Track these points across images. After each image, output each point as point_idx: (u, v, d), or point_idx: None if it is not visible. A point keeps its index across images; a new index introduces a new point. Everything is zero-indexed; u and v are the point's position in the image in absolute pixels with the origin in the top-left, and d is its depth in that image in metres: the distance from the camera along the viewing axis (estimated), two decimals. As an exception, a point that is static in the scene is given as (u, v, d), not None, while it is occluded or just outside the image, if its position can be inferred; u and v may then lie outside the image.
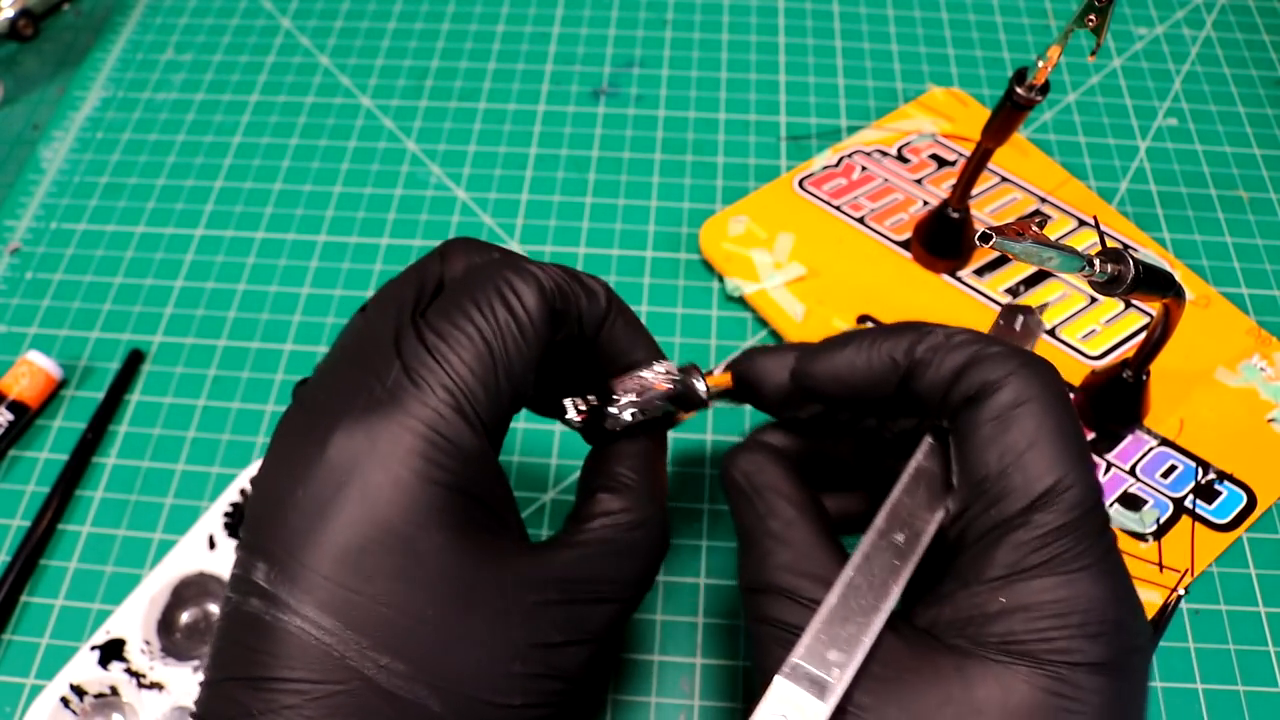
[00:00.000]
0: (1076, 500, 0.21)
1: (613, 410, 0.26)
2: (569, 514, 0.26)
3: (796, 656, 0.21)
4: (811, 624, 0.21)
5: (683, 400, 0.27)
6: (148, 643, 0.35)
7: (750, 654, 0.25)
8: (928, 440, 0.25)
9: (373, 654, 0.20)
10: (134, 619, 0.35)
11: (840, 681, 0.20)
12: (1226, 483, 0.39)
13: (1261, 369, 0.42)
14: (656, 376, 0.26)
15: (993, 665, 0.20)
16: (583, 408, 0.26)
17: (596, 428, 0.26)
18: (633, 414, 0.26)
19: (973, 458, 0.22)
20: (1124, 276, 0.27)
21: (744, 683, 0.35)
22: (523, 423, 0.42)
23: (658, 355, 0.27)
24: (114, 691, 0.34)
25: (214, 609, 0.37)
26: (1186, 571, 0.37)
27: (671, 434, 0.41)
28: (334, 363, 0.23)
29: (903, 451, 0.26)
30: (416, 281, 0.24)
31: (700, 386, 0.27)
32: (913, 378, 0.24)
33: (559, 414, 0.26)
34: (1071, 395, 0.41)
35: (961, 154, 0.49)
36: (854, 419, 0.28)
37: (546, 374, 0.28)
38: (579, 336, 0.26)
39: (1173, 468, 0.39)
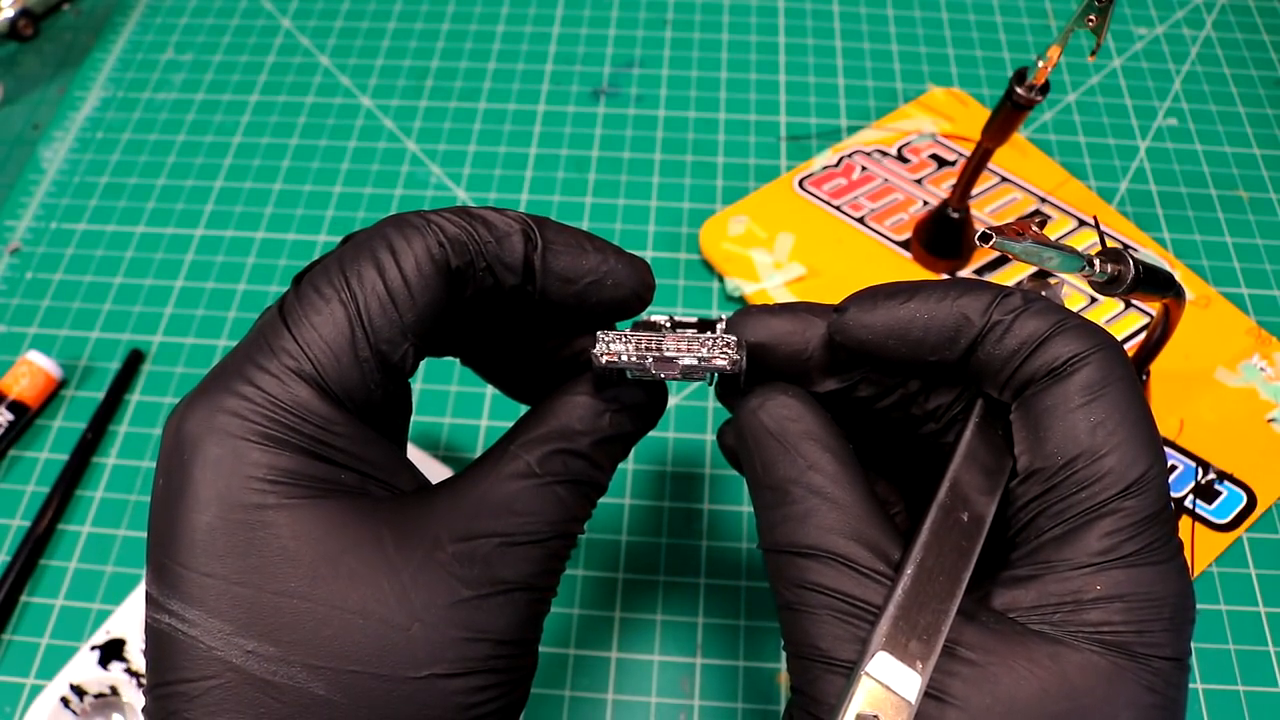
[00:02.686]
0: (1162, 489, 0.20)
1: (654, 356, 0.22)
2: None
3: (880, 648, 0.19)
4: (887, 610, 0.20)
5: (726, 379, 0.24)
6: (148, 643, 0.35)
7: (784, 621, 0.22)
8: (978, 413, 0.23)
9: (238, 640, 0.18)
10: (134, 619, 0.35)
11: (925, 675, 0.19)
12: (1226, 483, 0.39)
13: (1261, 369, 0.42)
14: (716, 345, 0.23)
15: (1091, 656, 0.19)
16: (618, 354, 0.22)
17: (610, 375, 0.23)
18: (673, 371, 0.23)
19: (1060, 435, 0.20)
20: (1124, 276, 0.27)
21: (744, 682, 0.35)
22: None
23: (616, 256, 0.24)
24: (114, 691, 0.34)
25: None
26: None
27: (671, 434, 0.41)
28: None
29: (914, 434, 0.24)
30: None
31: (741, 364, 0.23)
32: (982, 341, 0.21)
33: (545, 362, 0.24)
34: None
35: (961, 154, 0.49)
36: (875, 395, 0.25)
37: (490, 330, 0.26)
38: (500, 287, 0.22)
39: (1173, 468, 0.39)
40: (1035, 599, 0.20)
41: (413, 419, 0.41)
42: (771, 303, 0.44)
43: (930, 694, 0.19)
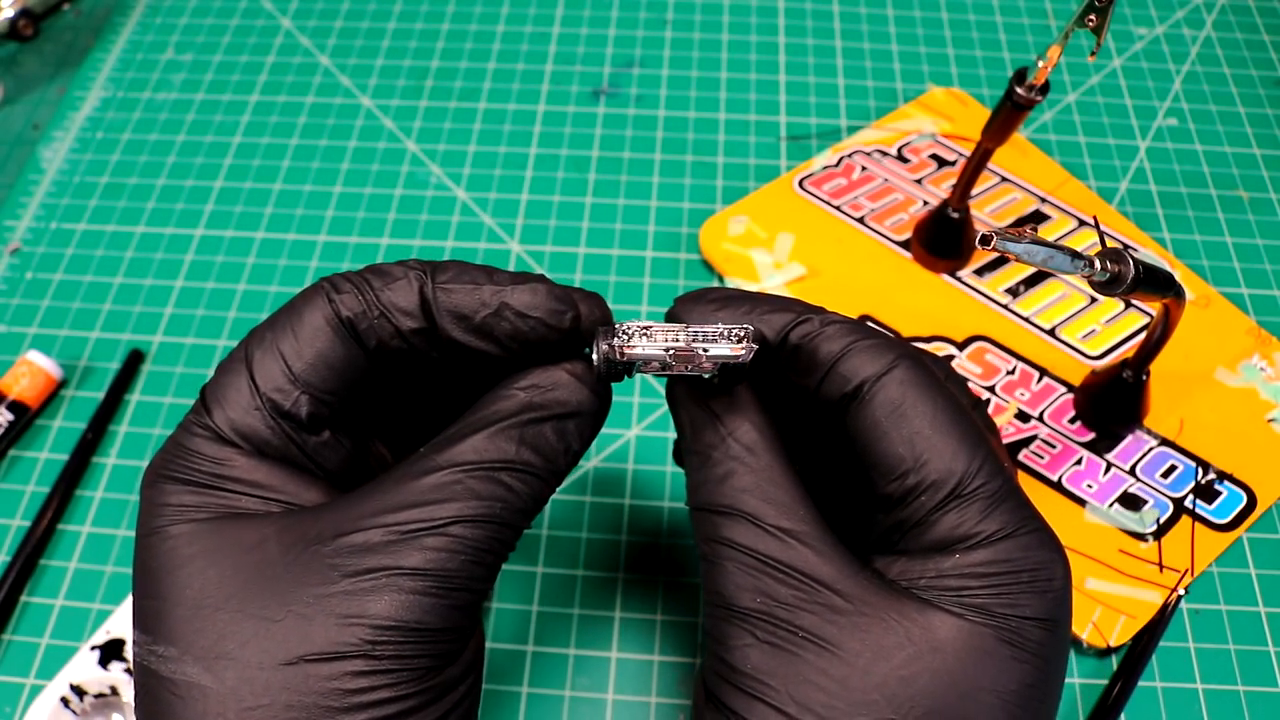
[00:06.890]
0: (993, 470, 0.22)
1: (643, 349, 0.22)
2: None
3: None
4: None
5: (729, 371, 0.23)
6: (148, 643, 0.35)
7: (702, 572, 0.24)
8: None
9: (153, 647, 0.21)
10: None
11: None
12: (1226, 483, 0.39)
13: (1261, 369, 0.42)
14: (724, 341, 0.22)
15: (953, 615, 0.21)
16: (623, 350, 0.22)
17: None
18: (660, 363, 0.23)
19: (882, 454, 0.23)
20: (1124, 276, 0.27)
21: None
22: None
23: (515, 282, 0.24)
24: (114, 691, 0.34)
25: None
26: (1186, 571, 0.37)
27: (670, 435, 0.41)
28: None
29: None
30: None
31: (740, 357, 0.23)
32: (791, 366, 0.24)
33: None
34: (1071, 395, 0.41)
35: (961, 154, 0.50)
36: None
37: (428, 408, 0.27)
38: (403, 336, 0.23)
39: (1173, 468, 0.39)
40: (903, 568, 0.22)
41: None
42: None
43: (808, 639, 0.21)
